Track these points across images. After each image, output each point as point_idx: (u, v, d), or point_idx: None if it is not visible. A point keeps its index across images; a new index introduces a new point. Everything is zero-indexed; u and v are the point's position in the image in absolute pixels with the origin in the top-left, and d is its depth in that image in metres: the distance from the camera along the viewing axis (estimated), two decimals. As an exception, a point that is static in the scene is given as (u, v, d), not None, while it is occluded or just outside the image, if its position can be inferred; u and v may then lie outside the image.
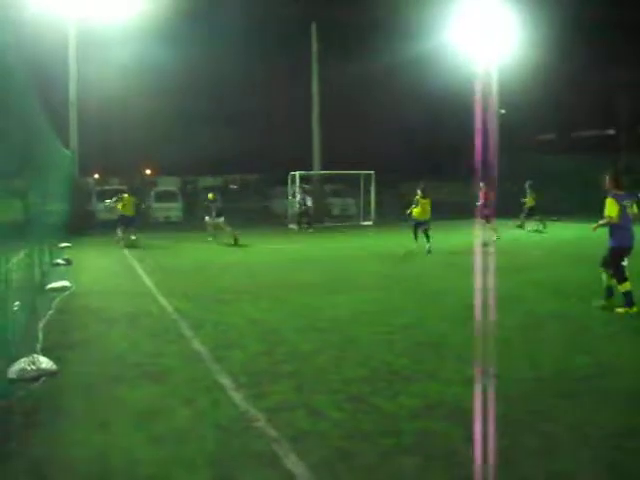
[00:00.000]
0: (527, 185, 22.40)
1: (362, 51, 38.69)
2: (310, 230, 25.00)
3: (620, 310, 7.98)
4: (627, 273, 7.95)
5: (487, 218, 18.82)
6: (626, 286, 7.96)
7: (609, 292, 8.22)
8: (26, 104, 5.94)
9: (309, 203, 25.96)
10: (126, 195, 19.81)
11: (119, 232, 19.32)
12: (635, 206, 8.10)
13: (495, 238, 17.81)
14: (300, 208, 26.04)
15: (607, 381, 5.35)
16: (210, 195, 21.15)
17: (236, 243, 18.50)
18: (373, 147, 40.92)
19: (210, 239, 19.91)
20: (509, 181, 30.80)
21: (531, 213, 22.19)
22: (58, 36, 23.35)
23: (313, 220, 26.36)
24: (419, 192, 15.64)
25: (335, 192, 32.70)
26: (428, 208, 15.54)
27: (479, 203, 19.20)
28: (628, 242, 7.97)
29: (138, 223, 20.60)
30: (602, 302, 8.22)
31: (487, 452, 3.92)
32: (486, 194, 19.19)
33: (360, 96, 41.68)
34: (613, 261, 7.96)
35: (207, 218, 20.58)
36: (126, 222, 19.46)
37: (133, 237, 19.49)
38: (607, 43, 36.03)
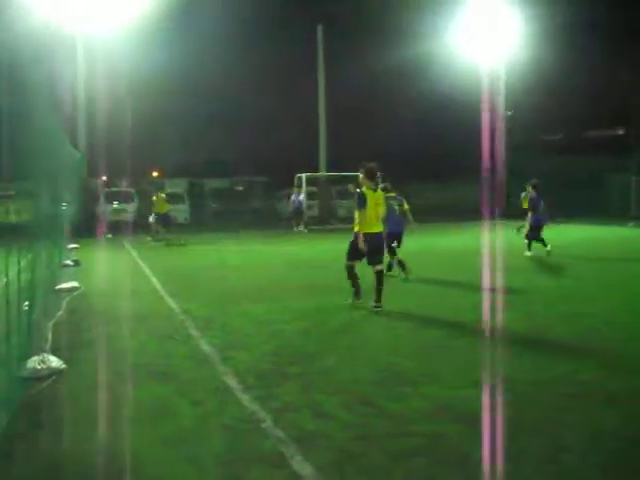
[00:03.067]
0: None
1: (368, 52, 38.66)
2: (305, 231, 24.97)
3: (394, 274, 11.50)
4: (396, 249, 11.65)
5: None
6: (393, 258, 11.75)
7: (389, 266, 11.50)
8: (38, 106, 6.01)
9: (303, 201, 25.97)
10: (160, 194, 21.55)
11: (159, 229, 21.04)
12: (404, 205, 11.84)
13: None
14: (298, 209, 26.09)
15: (616, 383, 5.33)
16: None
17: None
18: (381, 148, 40.86)
19: (149, 239, 21.11)
20: (519, 182, 30.70)
21: None
22: (68, 39, 23.52)
23: (308, 221, 26.41)
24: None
25: (341, 194, 32.74)
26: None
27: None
28: (396, 229, 11.51)
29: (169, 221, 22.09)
30: (389, 272, 11.27)
31: (495, 455, 3.92)
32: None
33: (367, 97, 41.63)
34: (388, 242, 10.92)
35: (151, 218, 21.14)
36: (162, 220, 21.01)
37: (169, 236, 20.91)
38: (615, 41, 35.90)
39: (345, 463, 3.89)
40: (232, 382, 5.45)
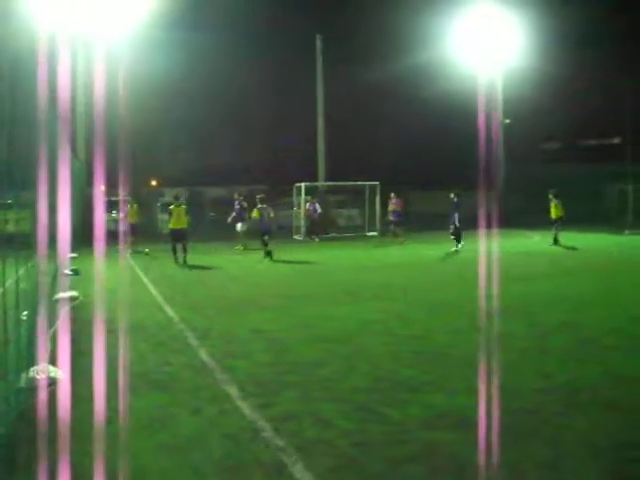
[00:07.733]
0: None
1: (366, 61, 38.83)
2: (316, 240, 25.07)
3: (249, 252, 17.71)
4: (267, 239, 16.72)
5: (394, 224, 22.63)
6: (267, 247, 16.89)
7: (268, 253, 16.76)
8: (38, 113, 6.02)
9: (319, 211, 26.06)
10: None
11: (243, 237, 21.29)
12: (271, 213, 17.17)
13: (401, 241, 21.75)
14: (311, 217, 26.12)
15: (616, 392, 5.34)
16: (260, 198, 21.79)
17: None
18: (379, 157, 40.98)
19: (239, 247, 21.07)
20: (517, 191, 30.81)
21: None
22: (68, 44, 23.57)
23: (320, 230, 26.43)
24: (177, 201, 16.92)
25: (340, 203, 32.74)
26: (183, 216, 16.45)
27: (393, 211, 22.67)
28: (265, 228, 16.76)
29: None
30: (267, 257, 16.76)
31: (494, 463, 3.93)
32: (397, 204, 22.64)
33: (365, 106, 41.78)
34: (261, 236, 16.84)
35: (239, 227, 21.20)
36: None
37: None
38: (613, 51, 36.12)
39: (345, 470, 3.90)
40: (232, 391, 5.45)
